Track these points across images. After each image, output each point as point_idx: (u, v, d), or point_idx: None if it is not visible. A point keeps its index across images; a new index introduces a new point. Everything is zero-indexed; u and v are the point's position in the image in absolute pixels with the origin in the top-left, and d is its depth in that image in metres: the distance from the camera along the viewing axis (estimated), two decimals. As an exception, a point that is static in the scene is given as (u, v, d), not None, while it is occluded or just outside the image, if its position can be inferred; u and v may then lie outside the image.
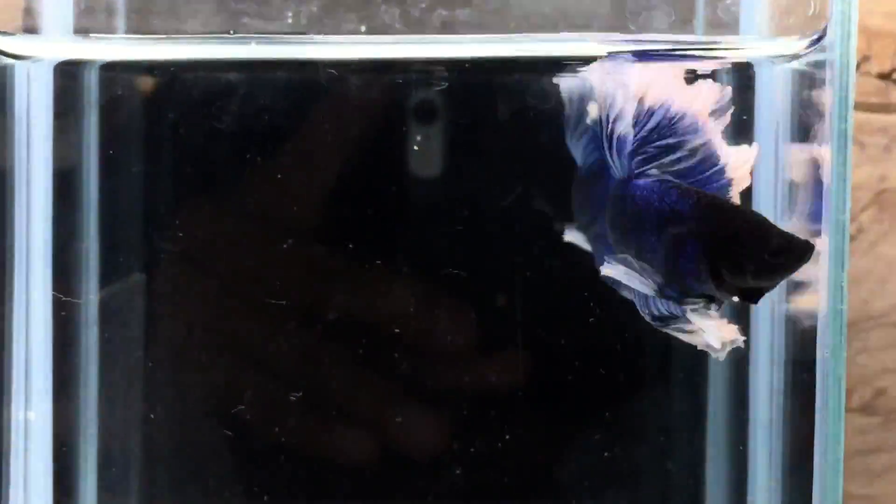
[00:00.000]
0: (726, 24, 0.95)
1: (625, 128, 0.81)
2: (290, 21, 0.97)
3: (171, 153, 1.00)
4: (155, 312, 1.01)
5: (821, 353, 0.83)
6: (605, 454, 1.02)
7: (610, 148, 0.82)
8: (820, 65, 0.84)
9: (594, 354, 1.00)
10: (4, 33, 0.89)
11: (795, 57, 0.87)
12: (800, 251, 0.77)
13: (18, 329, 0.93)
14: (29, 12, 0.92)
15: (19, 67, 0.92)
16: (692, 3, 0.97)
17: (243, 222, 1.01)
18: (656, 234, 0.80)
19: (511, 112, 0.97)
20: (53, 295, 0.92)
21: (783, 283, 0.86)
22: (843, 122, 0.83)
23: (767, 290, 0.79)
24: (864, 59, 1.12)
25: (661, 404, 1.01)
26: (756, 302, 0.79)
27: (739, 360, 0.96)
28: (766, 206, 0.93)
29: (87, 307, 0.98)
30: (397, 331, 0.99)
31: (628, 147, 0.81)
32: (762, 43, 0.93)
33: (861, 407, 1.14)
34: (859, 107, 1.09)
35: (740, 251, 0.77)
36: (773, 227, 0.78)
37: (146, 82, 0.98)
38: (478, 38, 0.94)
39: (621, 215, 0.82)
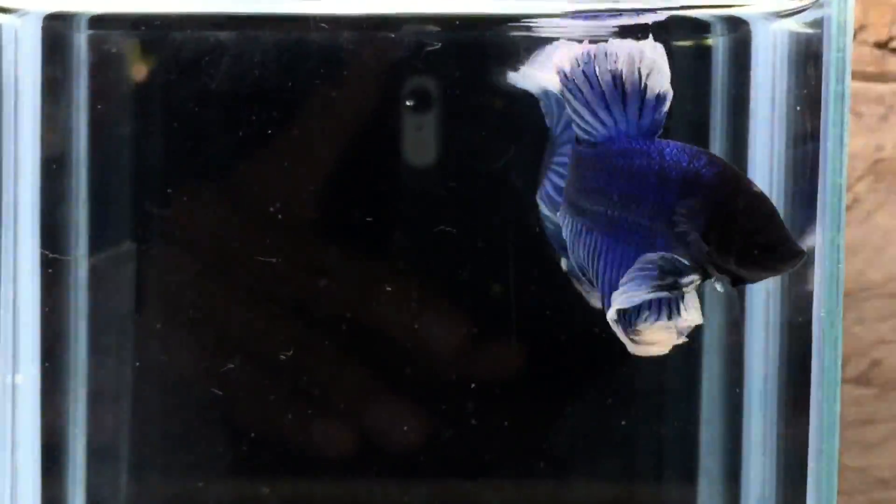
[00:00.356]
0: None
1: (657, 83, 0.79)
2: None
3: (161, 114, 0.99)
4: (146, 279, 1.00)
5: (817, 317, 0.83)
6: (600, 425, 1.02)
7: (613, 108, 0.80)
8: (817, 24, 0.83)
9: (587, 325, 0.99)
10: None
11: (795, 13, 0.87)
12: (789, 256, 0.75)
13: (6, 291, 0.92)
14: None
15: (6, 28, 0.91)
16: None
17: (238, 188, 1.00)
18: (668, 199, 0.79)
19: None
20: (42, 254, 0.91)
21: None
22: (840, 83, 0.82)
23: (749, 281, 0.78)
24: (860, 28, 1.12)
25: (655, 372, 1.01)
26: (734, 286, 0.78)
27: (734, 324, 0.96)
28: (763, 172, 0.92)
29: (77, 270, 0.97)
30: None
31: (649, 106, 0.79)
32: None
33: (856, 378, 1.14)
34: (856, 76, 1.09)
35: (733, 230, 0.75)
36: (775, 222, 0.76)
37: (136, 40, 0.97)
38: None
39: (610, 180, 0.80)
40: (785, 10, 0.89)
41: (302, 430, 1.01)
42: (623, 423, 1.03)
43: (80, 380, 0.99)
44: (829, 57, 0.82)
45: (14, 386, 0.91)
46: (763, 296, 0.93)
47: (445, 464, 1.02)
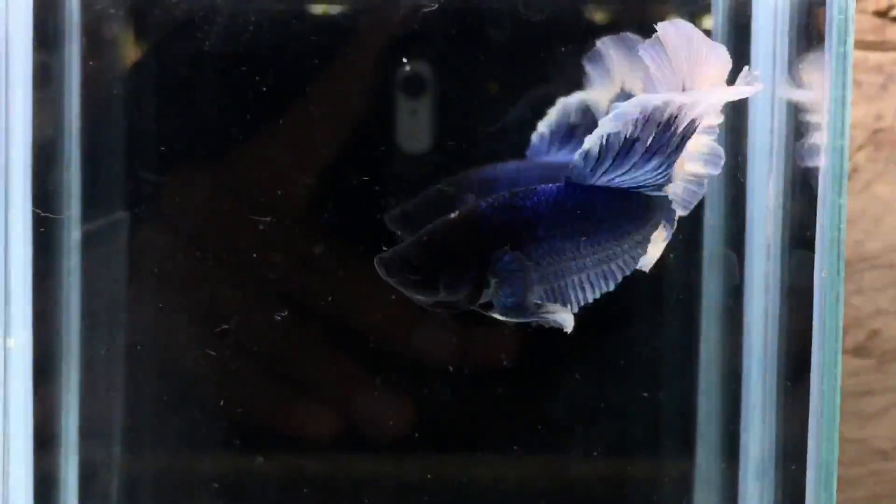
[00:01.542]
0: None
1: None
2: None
3: (156, 77, 0.98)
4: (138, 245, 1.00)
5: (818, 280, 0.82)
6: (594, 395, 1.01)
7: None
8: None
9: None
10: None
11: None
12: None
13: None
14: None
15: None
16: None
17: (236, 155, 1.00)
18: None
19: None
20: (33, 214, 0.91)
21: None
22: (841, 45, 0.82)
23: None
24: (860, -4, 1.11)
25: (653, 335, 1.01)
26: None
27: (734, 288, 0.95)
28: (763, 141, 0.91)
29: (69, 233, 0.96)
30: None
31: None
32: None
33: (854, 349, 1.13)
34: (855, 45, 1.07)
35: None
36: (409, 244, 0.78)
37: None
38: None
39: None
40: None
41: (295, 405, 1.01)
42: (619, 392, 1.02)
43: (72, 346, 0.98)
44: (832, 17, 0.81)
45: (6, 349, 0.91)
46: (763, 260, 0.92)
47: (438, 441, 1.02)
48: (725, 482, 0.98)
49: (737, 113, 0.95)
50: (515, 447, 1.03)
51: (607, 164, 0.78)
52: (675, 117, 0.76)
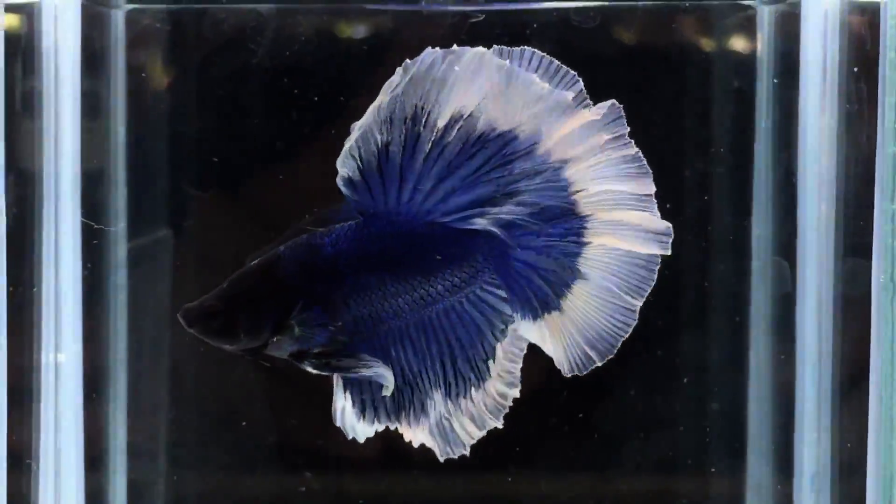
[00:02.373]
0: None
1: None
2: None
3: (201, 92, 0.98)
4: (183, 260, 0.99)
5: (875, 288, 0.81)
6: (645, 407, 1.00)
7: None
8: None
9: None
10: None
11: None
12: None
13: (48, 272, 0.91)
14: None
15: (46, 6, 0.90)
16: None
17: (280, 171, 0.99)
18: None
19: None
20: (82, 233, 0.91)
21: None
22: (895, 51, 0.81)
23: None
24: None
25: (700, 346, 1.00)
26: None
27: (785, 297, 0.94)
28: (813, 149, 0.91)
29: (117, 249, 0.96)
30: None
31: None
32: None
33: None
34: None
35: None
36: (211, 293, 0.80)
37: (175, 17, 0.97)
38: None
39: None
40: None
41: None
42: (665, 405, 1.01)
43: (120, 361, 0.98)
44: (886, 25, 0.81)
45: (57, 364, 0.90)
46: (816, 268, 0.91)
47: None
48: (779, 496, 0.97)
49: (785, 122, 0.94)
50: (564, 463, 1.02)
51: (377, 183, 0.77)
52: (480, 135, 0.76)
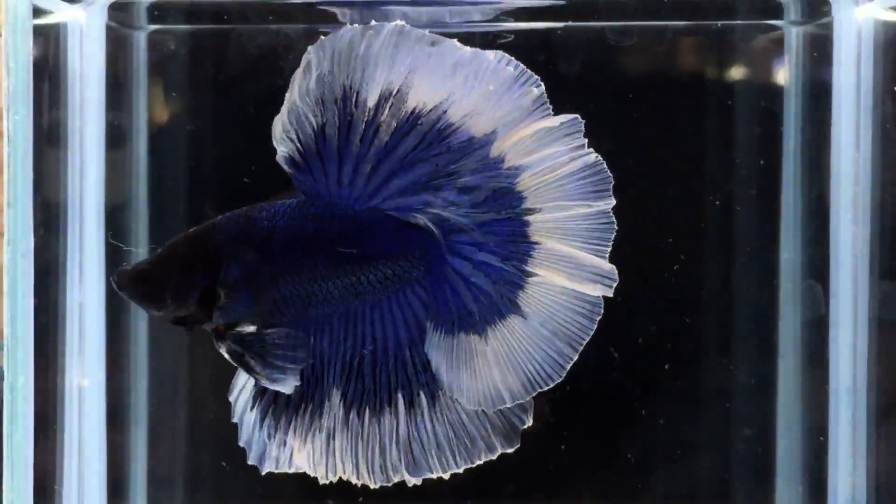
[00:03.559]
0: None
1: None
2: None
3: (223, 115, 0.98)
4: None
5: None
6: (671, 430, 0.99)
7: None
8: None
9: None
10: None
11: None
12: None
13: (72, 296, 0.91)
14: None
15: (72, 29, 0.89)
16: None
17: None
18: None
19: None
20: (107, 264, 0.90)
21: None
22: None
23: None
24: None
25: (730, 372, 0.99)
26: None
27: (817, 321, 0.94)
28: (847, 171, 0.90)
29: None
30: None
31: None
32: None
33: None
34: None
35: None
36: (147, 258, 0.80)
37: (194, 37, 0.96)
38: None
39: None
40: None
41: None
42: (696, 429, 1.00)
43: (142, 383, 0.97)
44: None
45: (81, 390, 0.90)
46: (851, 292, 0.90)
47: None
48: (811, 525, 0.96)
49: (816, 143, 0.93)
50: (592, 491, 1.01)
51: (316, 163, 0.76)
52: (412, 111, 0.75)
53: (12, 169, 0.80)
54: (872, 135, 0.88)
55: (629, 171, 0.95)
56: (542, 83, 0.76)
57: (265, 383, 0.78)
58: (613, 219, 0.77)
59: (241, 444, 0.81)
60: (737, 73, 0.97)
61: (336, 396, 0.80)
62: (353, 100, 0.75)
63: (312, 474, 0.81)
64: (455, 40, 0.75)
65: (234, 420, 0.81)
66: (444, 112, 0.75)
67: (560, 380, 0.78)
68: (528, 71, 0.76)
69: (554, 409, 0.97)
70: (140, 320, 0.97)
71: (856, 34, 0.88)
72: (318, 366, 0.80)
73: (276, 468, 0.81)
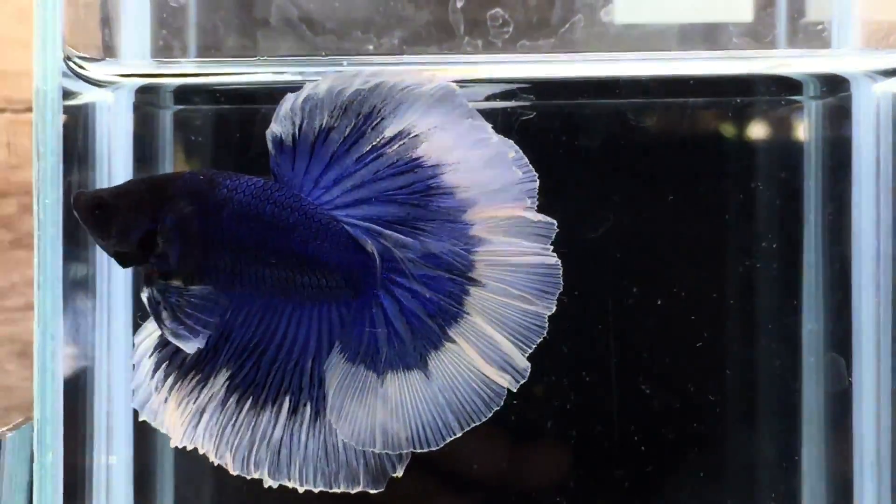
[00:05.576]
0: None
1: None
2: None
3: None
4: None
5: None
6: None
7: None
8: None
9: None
10: (89, 58, 0.88)
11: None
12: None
13: (100, 378, 0.92)
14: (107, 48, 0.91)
15: (100, 109, 0.91)
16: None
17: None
18: None
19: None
20: (133, 325, 0.91)
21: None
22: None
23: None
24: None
25: (753, 444, 0.99)
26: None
27: (840, 394, 0.93)
28: (868, 256, 0.90)
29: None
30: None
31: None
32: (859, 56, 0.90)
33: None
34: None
35: None
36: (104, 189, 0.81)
37: (220, 116, 0.97)
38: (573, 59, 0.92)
39: None
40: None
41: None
42: (721, 501, 1.00)
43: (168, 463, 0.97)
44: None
45: (109, 466, 0.90)
46: (872, 364, 0.90)
47: None
48: None
49: (837, 215, 0.94)
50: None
51: (304, 157, 0.77)
52: (415, 158, 0.76)
53: (42, 251, 0.81)
54: (893, 206, 0.89)
55: (651, 244, 0.96)
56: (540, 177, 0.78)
57: (168, 335, 0.78)
58: (547, 325, 0.78)
59: (132, 386, 0.81)
60: (756, 146, 0.98)
61: (223, 377, 0.80)
62: (375, 123, 0.77)
63: (173, 440, 0.81)
64: (489, 125, 0.77)
65: (133, 361, 0.81)
66: (443, 174, 0.77)
67: (436, 448, 0.79)
68: (532, 170, 0.78)
69: (578, 482, 0.97)
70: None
71: (874, 108, 0.89)
72: (222, 342, 0.80)
73: (152, 422, 0.81)
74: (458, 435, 0.79)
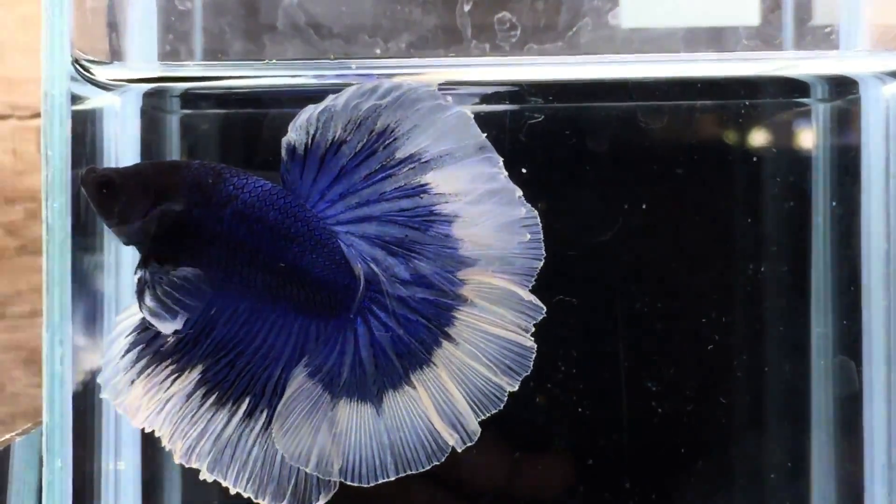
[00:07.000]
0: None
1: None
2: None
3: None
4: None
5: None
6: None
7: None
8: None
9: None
10: (96, 62, 0.88)
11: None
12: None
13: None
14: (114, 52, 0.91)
15: (108, 113, 0.91)
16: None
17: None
18: None
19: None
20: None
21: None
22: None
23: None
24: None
25: (763, 449, 0.98)
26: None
27: (851, 398, 0.93)
28: (877, 258, 0.90)
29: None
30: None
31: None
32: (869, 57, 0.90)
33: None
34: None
35: None
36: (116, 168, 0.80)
37: (227, 119, 0.97)
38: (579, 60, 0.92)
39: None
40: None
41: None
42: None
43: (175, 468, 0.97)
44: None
45: (117, 472, 0.90)
46: (883, 367, 0.90)
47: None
48: None
49: (846, 218, 0.93)
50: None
51: (314, 168, 0.77)
52: (423, 184, 0.77)
53: (50, 256, 0.81)
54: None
55: (659, 247, 0.96)
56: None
57: (145, 313, 0.78)
58: (505, 398, 0.79)
59: (102, 361, 0.81)
60: (765, 148, 0.98)
61: (197, 371, 0.80)
62: (387, 142, 0.77)
63: (133, 421, 0.81)
64: (501, 161, 0.77)
65: (109, 338, 0.81)
66: (446, 202, 0.77)
67: (366, 485, 0.79)
68: (541, 244, 0.78)
69: (588, 488, 0.97)
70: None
71: (884, 110, 0.89)
72: (203, 336, 0.80)
73: (112, 400, 0.81)
74: (391, 479, 0.79)
